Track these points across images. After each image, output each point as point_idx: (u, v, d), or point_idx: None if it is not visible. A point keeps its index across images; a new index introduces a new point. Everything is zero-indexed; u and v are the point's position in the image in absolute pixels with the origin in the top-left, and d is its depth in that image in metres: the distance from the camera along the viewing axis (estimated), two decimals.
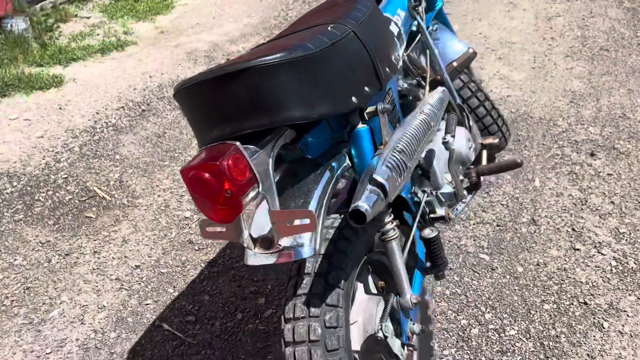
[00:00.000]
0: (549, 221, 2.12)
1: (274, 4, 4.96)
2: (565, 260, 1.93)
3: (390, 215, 1.25)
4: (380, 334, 1.23)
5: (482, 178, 1.82)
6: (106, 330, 1.85)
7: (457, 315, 1.77)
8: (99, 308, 1.95)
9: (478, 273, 1.92)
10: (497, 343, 1.66)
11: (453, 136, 1.52)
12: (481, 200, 2.26)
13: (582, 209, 2.15)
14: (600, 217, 2.10)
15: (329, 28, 1.13)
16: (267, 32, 4.36)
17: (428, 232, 1.36)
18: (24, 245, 2.26)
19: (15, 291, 2.06)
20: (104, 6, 5.27)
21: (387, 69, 1.28)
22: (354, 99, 1.11)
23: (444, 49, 2.05)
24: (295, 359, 1.10)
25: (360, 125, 1.23)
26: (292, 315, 1.12)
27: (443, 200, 1.65)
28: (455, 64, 2.02)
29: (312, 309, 1.11)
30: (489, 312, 1.77)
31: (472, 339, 1.68)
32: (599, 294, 1.79)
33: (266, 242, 1.04)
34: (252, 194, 0.98)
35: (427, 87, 2.12)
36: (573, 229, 2.06)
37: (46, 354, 1.78)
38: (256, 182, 0.98)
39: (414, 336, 1.30)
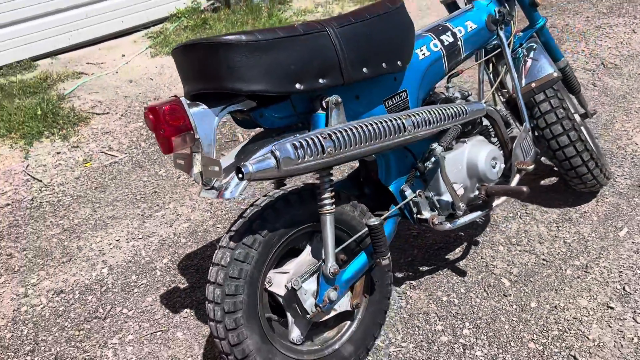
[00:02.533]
0: (602, 272, 1.94)
1: None
2: (589, 314, 1.79)
3: (331, 191, 1.45)
4: (289, 284, 1.46)
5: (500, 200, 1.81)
6: (181, 236, 2.40)
7: (438, 320, 1.83)
8: (186, 220, 2.50)
9: (487, 293, 1.91)
10: (457, 357, 1.69)
11: (444, 147, 1.59)
12: (545, 231, 2.16)
13: None
14: None
15: (299, 27, 1.37)
16: None
17: (372, 220, 1.50)
18: (169, 161, 2.97)
19: (146, 191, 2.75)
20: None
21: (364, 68, 1.45)
22: (297, 85, 1.34)
23: (530, 68, 2.02)
24: (210, 276, 1.42)
25: (320, 111, 1.44)
26: (220, 243, 1.44)
27: (438, 206, 1.73)
28: (533, 84, 1.98)
29: (231, 243, 1.41)
30: (469, 328, 1.78)
31: (436, 344, 1.74)
32: (599, 356, 1.65)
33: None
34: (187, 138, 1.32)
35: (499, 102, 2.13)
36: (624, 289, 1.87)
37: (138, 237, 2.41)
38: (191, 129, 1.31)
39: (329, 302, 1.48)
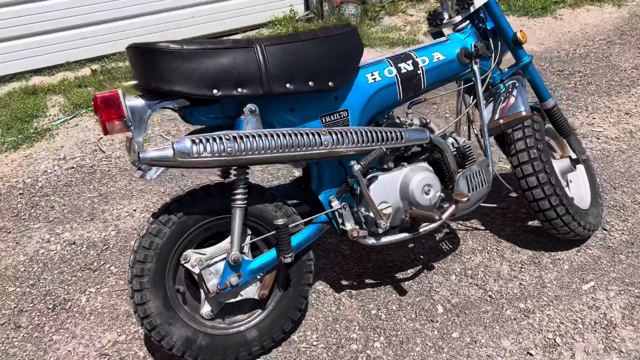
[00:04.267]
0: (542, 319, 1.90)
1: None
2: (504, 355, 1.78)
3: (244, 188, 1.64)
4: (195, 263, 1.67)
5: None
6: None
7: (358, 329, 1.92)
8: None
9: (416, 315, 1.96)
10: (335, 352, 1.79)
11: (362, 166, 1.70)
12: (507, 270, 2.14)
13: (609, 332, 1.84)
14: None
15: (228, 41, 1.58)
16: None
17: (279, 220, 1.66)
18: None
19: (176, 173, 3.11)
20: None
21: (287, 84, 1.62)
22: (215, 90, 1.56)
23: (503, 105, 2.04)
24: (136, 242, 1.69)
25: (243, 117, 1.64)
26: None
27: (364, 221, 1.84)
28: (501, 121, 2.01)
29: (151, 219, 1.66)
30: (382, 342, 1.86)
31: (344, 350, 1.84)
32: None
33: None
34: (120, 124, 1.59)
35: (473, 134, 2.17)
36: (554, 340, 1.82)
37: (150, 210, 2.76)
38: (125, 117, 1.58)
39: (230, 285, 1.67)
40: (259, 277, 1.76)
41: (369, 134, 1.73)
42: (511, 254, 2.23)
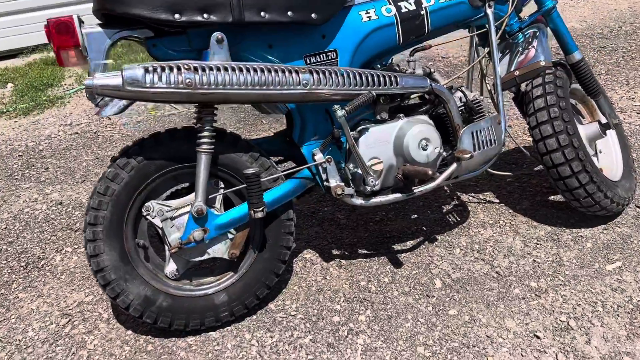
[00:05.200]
0: (556, 300, 1.65)
1: None
2: (507, 337, 1.54)
3: (210, 131, 1.46)
4: (155, 214, 1.50)
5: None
6: None
7: (343, 301, 1.71)
8: None
9: (410, 289, 1.74)
10: (337, 338, 1.58)
11: (347, 111, 1.49)
12: (520, 246, 1.88)
13: (634, 318, 1.58)
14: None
15: None
16: None
17: (249, 170, 1.47)
18: None
19: None
20: None
21: (262, 12, 1.42)
22: (177, 15, 1.37)
23: (521, 55, 1.80)
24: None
25: (209, 49, 1.45)
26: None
27: (351, 178, 1.63)
28: (517, 72, 1.76)
29: (110, 162, 1.50)
30: (367, 316, 1.64)
31: (324, 321, 1.64)
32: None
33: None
34: (75, 54, 1.43)
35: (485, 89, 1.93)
36: (568, 323, 1.57)
37: None
38: (80, 46, 1.42)
39: (194, 241, 1.49)
40: (229, 234, 1.57)
41: (357, 76, 1.52)
42: (527, 229, 1.97)
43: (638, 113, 2.75)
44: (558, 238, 1.91)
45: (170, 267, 1.57)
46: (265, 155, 1.60)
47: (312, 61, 1.58)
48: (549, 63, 1.74)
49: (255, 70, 1.40)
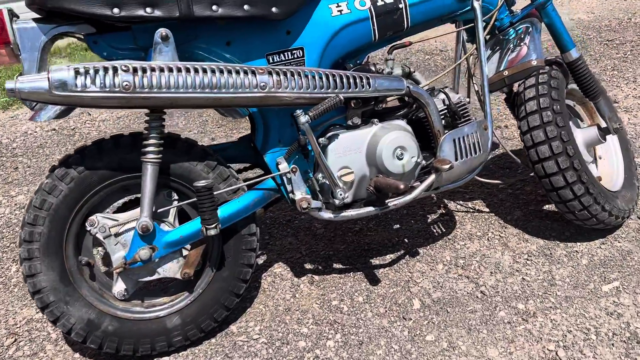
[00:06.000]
0: (545, 325, 1.49)
1: None
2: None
3: (157, 139, 1.31)
4: (96, 230, 1.35)
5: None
6: None
7: (312, 323, 1.57)
8: None
9: (386, 310, 1.59)
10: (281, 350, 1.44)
11: (311, 117, 1.34)
12: (509, 261, 1.72)
13: (631, 348, 1.42)
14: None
15: None
16: None
17: (200, 182, 1.32)
18: None
19: None
20: None
21: (214, 6, 1.26)
22: (115, 10, 1.21)
23: (511, 53, 1.62)
24: None
25: (153, 48, 1.29)
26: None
27: (319, 189, 1.48)
28: (506, 72, 1.59)
29: (48, 172, 1.35)
30: (337, 341, 1.50)
31: (289, 347, 1.49)
32: None
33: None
34: (6, 52, 1.28)
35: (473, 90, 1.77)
36: (556, 353, 1.41)
37: None
38: (11, 43, 1.27)
39: (140, 260, 1.34)
40: (182, 252, 1.43)
41: (323, 78, 1.36)
42: (517, 243, 1.81)
43: None
44: (551, 253, 1.75)
45: (118, 286, 1.42)
46: (224, 164, 1.45)
47: (275, 60, 1.42)
48: (542, 62, 1.57)
49: (204, 71, 1.25)
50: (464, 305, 1.58)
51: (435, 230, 1.91)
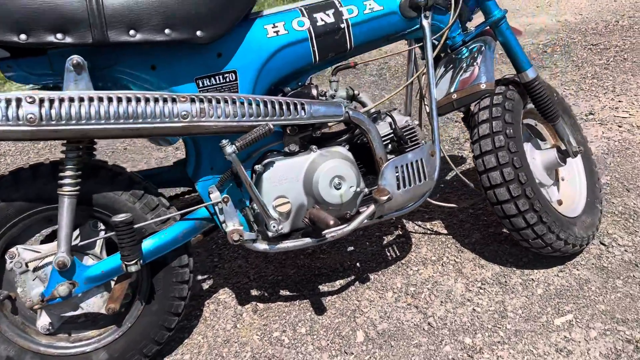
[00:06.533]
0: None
1: None
2: None
3: (75, 170, 1.24)
4: (12, 264, 1.28)
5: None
6: None
7: (249, 356, 1.50)
8: None
9: (327, 343, 1.52)
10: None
11: (237, 146, 1.26)
12: (461, 289, 1.65)
13: None
14: None
15: None
16: None
17: (119, 216, 1.25)
18: None
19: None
20: None
21: (131, 31, 1.19)
22: (23, 36, 1.14)
23: (464, 74, 1.54)
24: None
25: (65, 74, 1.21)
26: None
27: (252, 219, 1.41)
28: (454, 95, 1.51)
29: None
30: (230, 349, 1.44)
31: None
32: None
33: None
34: None
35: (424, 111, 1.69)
36: None
37: None
38: None
39: (59, 296, 1.28)
40: (106, 285, 1.36)
41: (253, 104, 1.28)
42: (472, 269, 1.74)
43: (619, 126, 2.49)
44: (506, 281, 1.68)
45: (42, 320, 1.36)
46: (154, 192, 1.38)
47: (205, 84, 1.34)
48: (491, 86, 1.49)
49: (119, 101, 1.17)
50: (409, 339, 1.51)
51: (389, 254, 1.84)
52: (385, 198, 1.37)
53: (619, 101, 2.72)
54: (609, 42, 3.60)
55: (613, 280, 1.64)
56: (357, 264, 1.81)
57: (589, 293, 1.61)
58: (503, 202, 1.55)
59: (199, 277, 1.82)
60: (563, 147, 1.74)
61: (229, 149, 1.26)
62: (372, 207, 1.42)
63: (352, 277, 1.75)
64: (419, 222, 1.99)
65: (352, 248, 1.89)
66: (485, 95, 1.51)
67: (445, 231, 1.93)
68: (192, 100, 1.23)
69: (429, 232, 1.93)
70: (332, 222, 1.27)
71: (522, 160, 1.53)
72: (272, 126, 1.28)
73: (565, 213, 1.69)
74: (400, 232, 1.95)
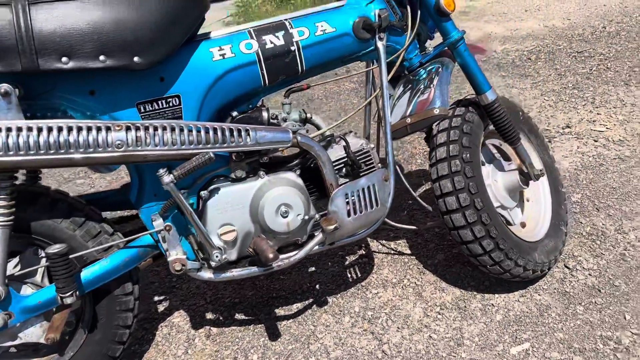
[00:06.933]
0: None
1: None
2: None
3: (8, 200, 1.20)
4: None
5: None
6: None
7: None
8: None
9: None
10: None
11: (174, 175, 1.23)
12: (419, 315, 1.62)
13: None
14: None
15: None
16: None
17: (53, 247, 1.21)
18: None
19: None
20: None
21: (64, 58, 1.15)
22: None
23: (421, 96, 1.51)
24: None
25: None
26: None
27: (196, 248, 1.38)
28: (409, 120, 1.47)
29: None
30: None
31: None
32: None
33: None
34: None
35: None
36: None
37: None
38: None
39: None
40: (46, 315, 1.33)
41: (194, 132, 1.25)
42: (432, 293, 1.70)
43: (595, 140, 2.45)
44: (465, 306, 1.65)
45: None
46: (97, 218, 1.35)
47: (147, 109, 1.30)
48: (445, 111, 1.45)
49: (49, 130, 1.14)
50: None
51: (350, 275, 1.81)
52: (332, 227, 1.34)
53: (598, 114, 2.68)
54: (594, 49, 3.56)
55: (574, 307, 1.61)
56: (317, 286, 1.77)
57: (549, 320, 1.57)
58: (459, 228, 1.51)
59: (156, 298, 1.79)
60: (526, 170, 1.70)
61: (167, 178, 1.23)
62: (319, 237, 1.39)
63: (310, 300, 1.72)
64: (383, 241, 1.96)
65: (313, 268, 1.85)
66: (439, 120, 1.47)
67: (408, 251, 1.89)
68: (128, 129, 1.20)
69: (392, 251, 1.90)
70: (271, 257, 1.23)
71: (478, 186, 1.49)
72: (212, 155, 1.24)
73: (527, 237, 1.66)
74: (364, 252, 1.91)
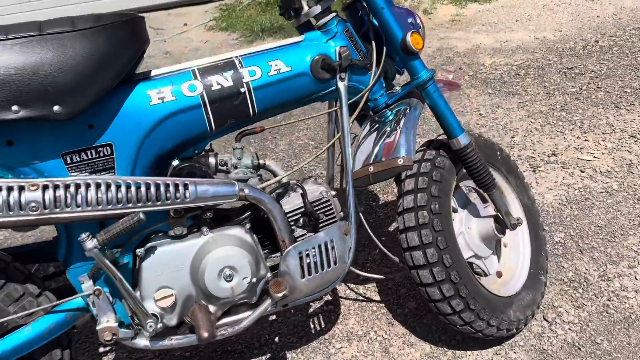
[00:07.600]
0: None
1: None
2: None
3: None
4: None
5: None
6: None
7: None
8: None
9: None
10: None
11: (100, 242, 1.09)
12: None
13: None
14: None
15: None
16: None
17: None
18: None
19: None
20: None
21: (14, 106, 1.02)
22: None
23: (387, 139, 1.37)
24: None
25: None
26: None
27: (130, 313, 1.24)
28: (371, 168, 1.33)
29: None
30: None
31: None
32: None
33: None
34: None
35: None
36: None
37: None
38: None
39: None
40: None
41: (123, 189, 1.11)
42: (400, 348, 1.57)
43: (582, 171, 2.32)
44: None
45: None
46: (20, 279, 1.21)
47: (75, 160, 1.16)
48: (410, 162, 1.31)
49: None
50: None
51: (313, 326, 1.67)
52: (280, 295, 1.20)
53: (585, 140, 2.55)
54: (584, 66, 3.43)
55: None
56: (276, 339, 1.64)
57: None
58: (427, 285, 1.38)
59: (101, 350, 1.65)
60: (502, 217, 1.57)
61: (89, 244, 1.09)
62: (267, 303, 1.25)
63: (267, 356, 1.58)
64: (352, 285, 1.82)
65: (274, 317, 1.72)
66: (403, 170, 1.34)
67: (378, 297, 1.76)
68: (45, 188, 1.06)
69: (360, 297, 1.76)
70: (205, 336, 1.10)
71: (447, 240, 1.36)
72: (141, 216, 1.10)
73: (502, 290, 1.53)
74: (330, 297, 1.78)
